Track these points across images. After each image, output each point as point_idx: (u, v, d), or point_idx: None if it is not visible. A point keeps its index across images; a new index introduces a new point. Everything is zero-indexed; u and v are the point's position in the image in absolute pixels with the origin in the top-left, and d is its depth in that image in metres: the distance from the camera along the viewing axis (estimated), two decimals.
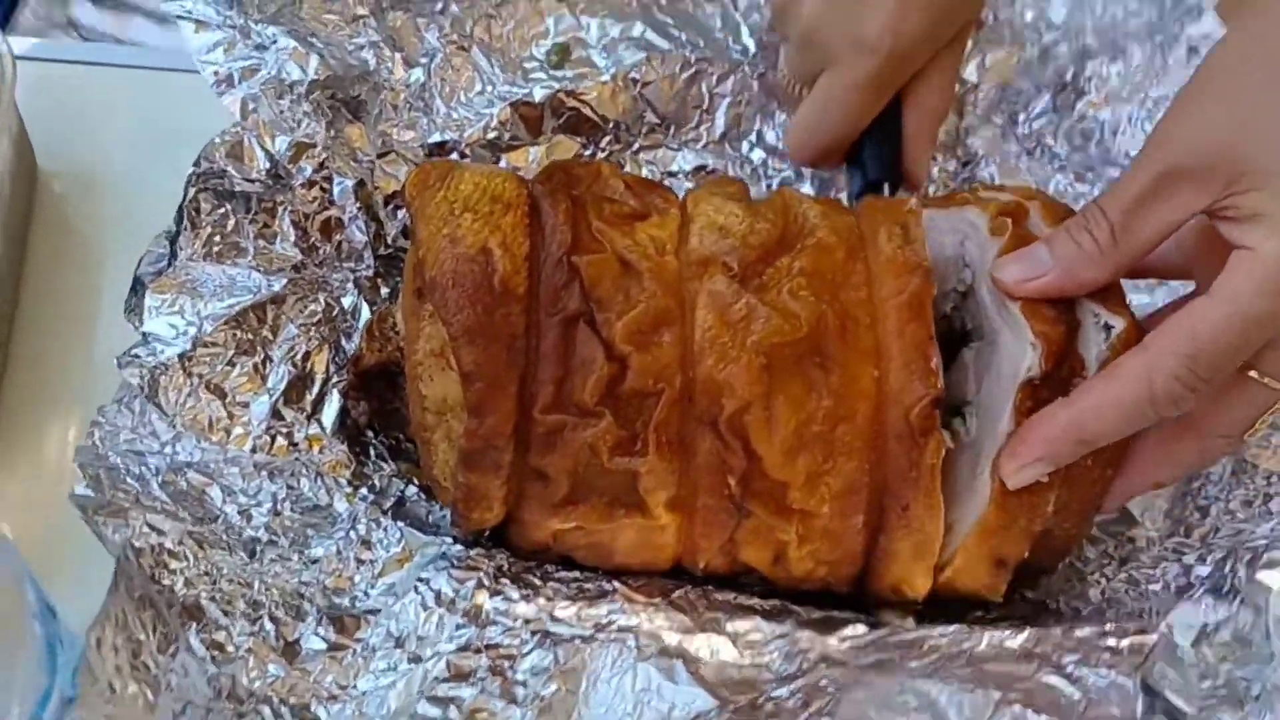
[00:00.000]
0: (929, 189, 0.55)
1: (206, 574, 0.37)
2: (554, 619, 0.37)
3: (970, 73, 0.57)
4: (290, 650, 0.37)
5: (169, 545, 0.37)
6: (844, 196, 0.50)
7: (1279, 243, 0.34)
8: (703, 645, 0.37)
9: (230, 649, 0.36)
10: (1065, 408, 0.37)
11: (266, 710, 0.35)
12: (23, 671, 0.28)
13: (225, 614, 0.37)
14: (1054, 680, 0.34)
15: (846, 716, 0.34)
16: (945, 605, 0.41)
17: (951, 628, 0.37)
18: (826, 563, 0.39)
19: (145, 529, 0.36)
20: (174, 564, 0.37)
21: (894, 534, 0.38)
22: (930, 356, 0.37)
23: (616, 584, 0.39)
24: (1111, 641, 0.35)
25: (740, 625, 0.38)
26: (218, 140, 0.43)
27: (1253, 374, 0.36)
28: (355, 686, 0.36)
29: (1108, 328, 0.38)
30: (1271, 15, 0.35)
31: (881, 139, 0.47)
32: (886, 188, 0.46)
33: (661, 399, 0.37)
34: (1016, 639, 0.36)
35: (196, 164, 0.43)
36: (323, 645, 0.37)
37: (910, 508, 0.37)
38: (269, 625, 0.37)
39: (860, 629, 0.38)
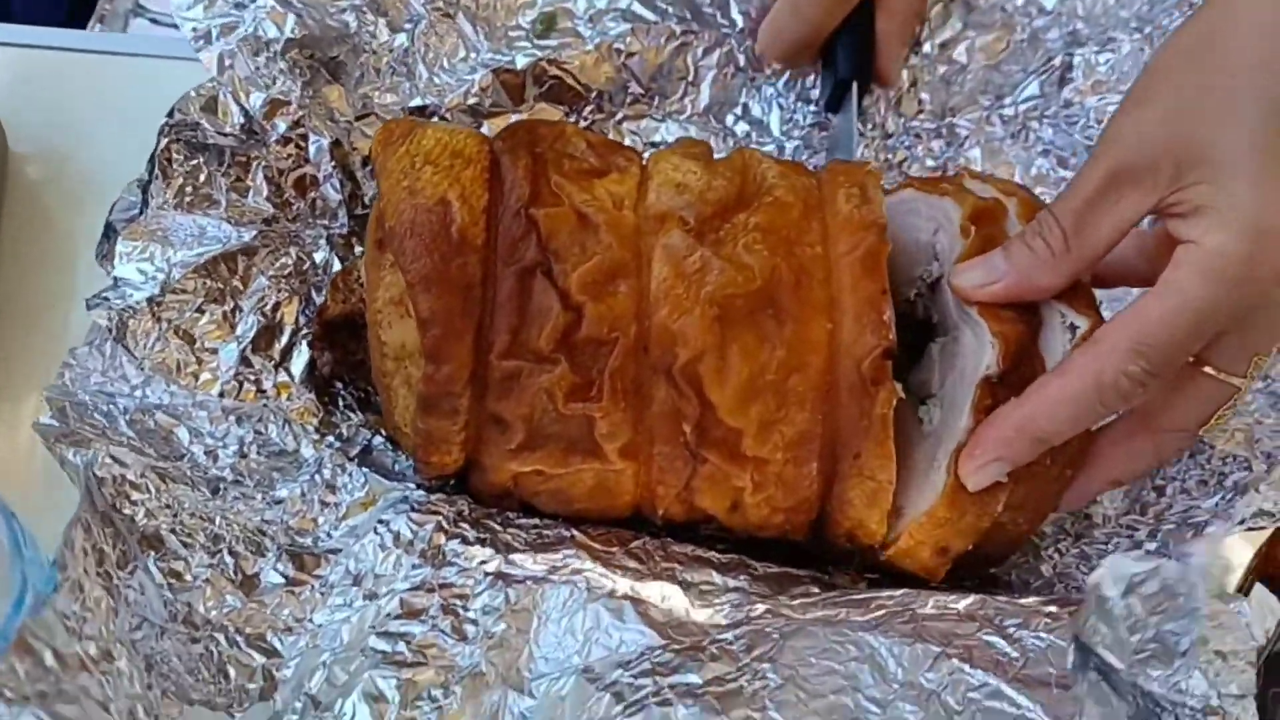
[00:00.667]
0: (904, 167, 0.56)
1: (168, 507, 0.38)
2: (509, 561, 0.38)
3: (960, 54, 0.57)
4: (249, 583, 0.38)
5: (131, 477, 0.38)
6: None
7: (1222, 235, 0.34)
8: (654, 592, 0.37)
9: (188, 578, 0.37)
10: (1018, 407, 0.37)
11: (221, 638, 0.36)
12: None
13: (185, 545, 0.38)
14: (993, 639, 0.34)
15: (786, 662, 0.34)
16: (898, 574, 0.41)
17: (900, 591, 0.37)
18: (782, 510, 0.39)
19: (108, 460, 0.37)
20: (135, 495, 0.38)
21: (847, 482, 0.39)
22: (883, 310, 0.38)
23: (575, 531, 0.40)
24: (1053, 609, 0.35)
25: (694, 575, 0.39)
26: (193, 94, 0.44)
27: (1207, 370, 0.37)
28: (311, 620, 0.37)
29: (1073, 328, 0.38)
30: (1215, 9, 0.36)
31: (853, 37, 0.48)
32: (856, 87, 0.47)
33: (616, 347, 0.38)
34: (961, 602, 0.36)
35: (170, 115, 0.44)
36: (281, 580, 0.38)
37: (862, 455, 0.38)
38: (228, 559, 0.38)
39: (814, 589, 0.38)
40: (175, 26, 0.47)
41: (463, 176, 0.39)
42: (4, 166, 0.50)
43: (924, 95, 0.57)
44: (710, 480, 0.39)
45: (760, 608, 0.37)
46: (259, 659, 0.36)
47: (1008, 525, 0.39)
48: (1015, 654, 0.33)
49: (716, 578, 0.39)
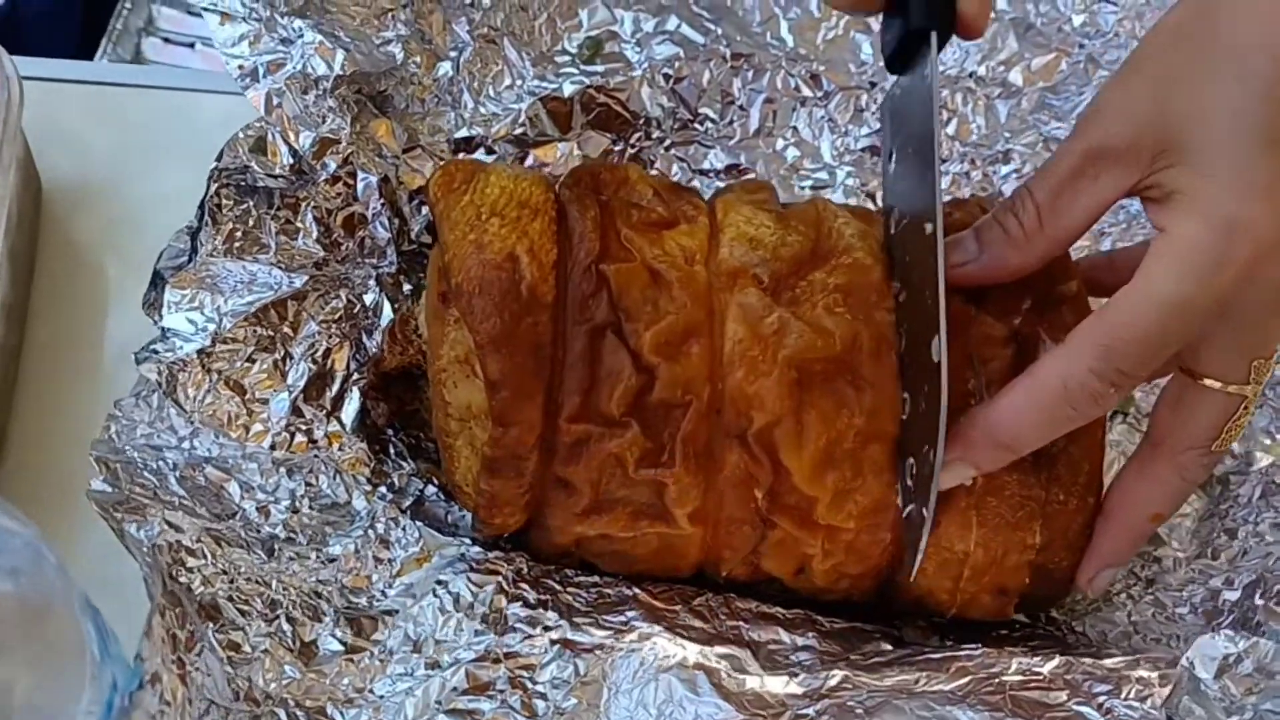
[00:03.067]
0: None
1: (224, 572, 0.38)
2: (574, 626, 0.38)
3: (1015, 76, 0.57)
4: (307, 651, 0.38)
5: (186, 543, 0.37)
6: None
7: (1194, 223, 0.33)
8: (723, 655, 0.37)
9: (246, 649, 0.37)
10: (983, 410, 0.36)
11: (282, 713, 0.36)
12: (79, 667, 0.28)
13: (242, 614, 0.37)
14: (1085, 709, 0.34)
15: None
16: (968, 625, 0.42)
17: (979, 650, 0.37)
18: (849, 576, 0.40)
19: (164, 525, 0.37)
20: (191, 561, 0.38)
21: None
22: (967, 380, 0.38)
23: (637, 590, 0.40)
24: (1141, 673, 0.35)
25: (761, 634, 0.39)
26: (241, 135, 0.44)
27: (1206, 381, 0.36)
28: (372, 690, 0.37)
29: None
30: None
31: None
32: (934, 39, 0.38)
33: (689, 410, 0.37)
34: (1046, 665, 0.36)
35: (219, 158, 0.43)
36: (339, 647, 0.38)
37: (942, 525, 0.38)
38: (286, 626, 0.38)
39: (885, 645, 0.39)
40: (190, 46, 0.46)
41: (530, 229, 0.38)
42: (39, 206, 0.49)
43: (978, 119, 0.57)
44: (779, 546, 0.39)
45: (837, 675, 0.37)
46: None
47: (1048, 565, 0.40)
48: None
49: (784, 636, 0.39)
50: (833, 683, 0.36)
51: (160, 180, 0.50)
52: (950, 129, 0.57)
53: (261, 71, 0.45)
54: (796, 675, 0.37)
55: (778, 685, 0.37)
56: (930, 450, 0.36)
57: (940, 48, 0.38)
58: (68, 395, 0.46)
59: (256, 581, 0.38)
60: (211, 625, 0.37)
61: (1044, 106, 0.57)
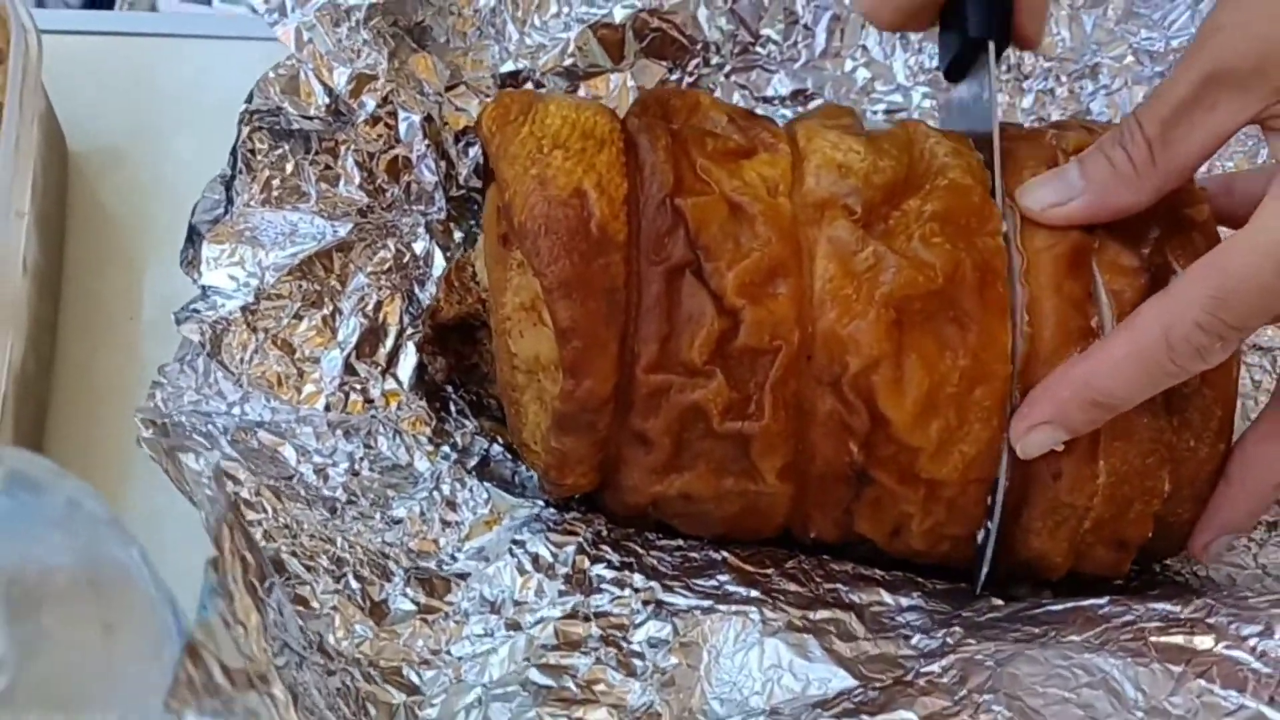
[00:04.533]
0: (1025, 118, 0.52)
1: (286, 528, 0.36)
2: (665, 588, 0.36)
3: None
4: (377, 611, 0.36)
5: (245, 495, 0.35)
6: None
7: None
8: (826, 620, 0.35)
9: (315, 605, 0.35)
10: (1076, 364, 0.34)
11: (356, 672, 0.34)
12: (154, 628, 0.26)
13: (308, 569, 0.35)
14: (1236, 654, 0.31)
15: (1010, 692, 0.32)
16: (1078, 582, 0.39)
17: (1105, 600, 0.35)
18: (950, 537, 0.37)
19: (220, 470, 0.35)
20: (251, 515, 0.35)
21: (1036, 509, 0.36)
22: (1089, 315, 0.34)
23: (724, 553, 0.38)
24: None
25: (862, 596, 0.37)
26: (271, 75, 0.41)
27: None
28: (449, 652, 0.35)
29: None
30: None
31: None
32: (992, 48, 0.38)
33: (778, 356, 0.34)
34: (1184, 609, 0.33)
35: (249, 100, 0.41)
36: (412, 607, 0.36)
37: (1062, 476, 0.35)
38: (354, 583, 0.36)
39: (997, 601, 0.36)
40: (207, 2, 0.43)
41: (598, 161, 0.35)
42: (65, 166, 0.47)
43: (1063, 32, 0.53)
44: (874, 504, 0.36)
45: (957, 630, 0.34)
46: (399, 696, 0.34)
47: (1169, 518, 0.37)
48: (1267, 669, 0.31)
49: (887, 597, 0.37)
50: (952, 640, 0.34)
51: (188, 134, 0.47)
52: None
53: (290, 5, 0.42)
54: (910, 637, 0.34)
55: (893, 648, 0.34)
56: None
57: (998, 57, 0.38)
58: (107, 363, 0.44)
59: (320, 539, 0.36)
60: (278, 577, 0.35)
61: (1133, 15, 0.53)
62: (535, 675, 0.34)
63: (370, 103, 0.42)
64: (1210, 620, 0.33)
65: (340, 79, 0.42)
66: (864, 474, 0.36)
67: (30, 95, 0.39)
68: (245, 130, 0.41)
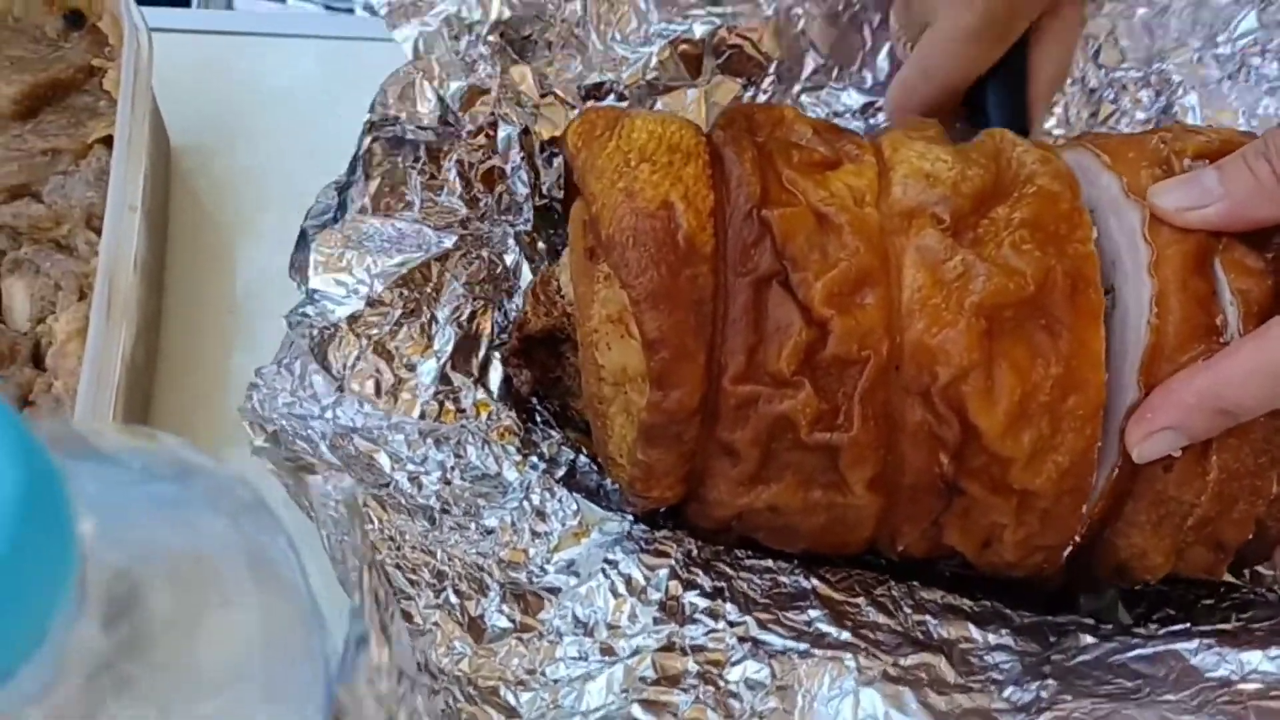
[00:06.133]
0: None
1: (391, 539, 0.34)
2: (760, 624, 0.34)
3: None
4: (475, 627, 0.34)
5: (361, 524, 0.34)
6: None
7: None
8: (917, 664, 0.33)
9: (418, 620, 0.34)
10: (1203, 371, 0.31)
11: (456, 691, 0.33)
12: (304, 613, 0.25)
13: (411, 583, 0.34)
14: None
15: None
16: (1163, 592, 0.36)
17: (1195, 642, 0.32)
18: (1044, 548, 0.34)
19: (353, 500, 0.33)
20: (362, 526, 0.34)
21: (1140, 502, 0.33)
22: (1214, 314, 0.31)
23: (815, 581, 0.35)
24: None
25: (950, 631, 0.34)
26: (389, 84, 0.39)
27: None
28: (543, 673, 0.33)
29: None
30: None
31: (1004, 86, 0.40)
32: None
33: (867, 367, 0.32)
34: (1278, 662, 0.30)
35: (371, 109, 0.39)
36: (508, 624, 0.34)
37: (1174, 469, 0.32)
38: (454, 598, 0.34)
39: (1086, 639, 0.33)
40: (282, 0, 0.41)
41: (684, 175, 0.33)
42: (169, 163, 0.45)
43: (1125, 42, 0.50)
44: (964, 515, 0.33)
45: (1050, 683, 0.32)
46: (497, 717, 0.32)
47: (1270, 523, 0.34)
48: None
49: (975, 633, 0.34)
50: (1046, 695, 0.31)
51: (279, 131, 0.46)
52: (1100, 56, 0.50)
53: (410, 9, 0.40)
54: (1003, 688, 0.32)
55: (985, 700, 0.32)
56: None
57: None
58: (206, 355, 0.42)
59: (422, 550, 0.35)
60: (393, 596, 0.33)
61: (1196, 23, 0.49)
62: (637, 711, 0.32)
63: (480, 115, 0.41)
64: None
65: (454, 90, 0.41)
66: (954, 485, 0.33)
67: (142, 93, 0.38)
68: (367, 140, 0.39)
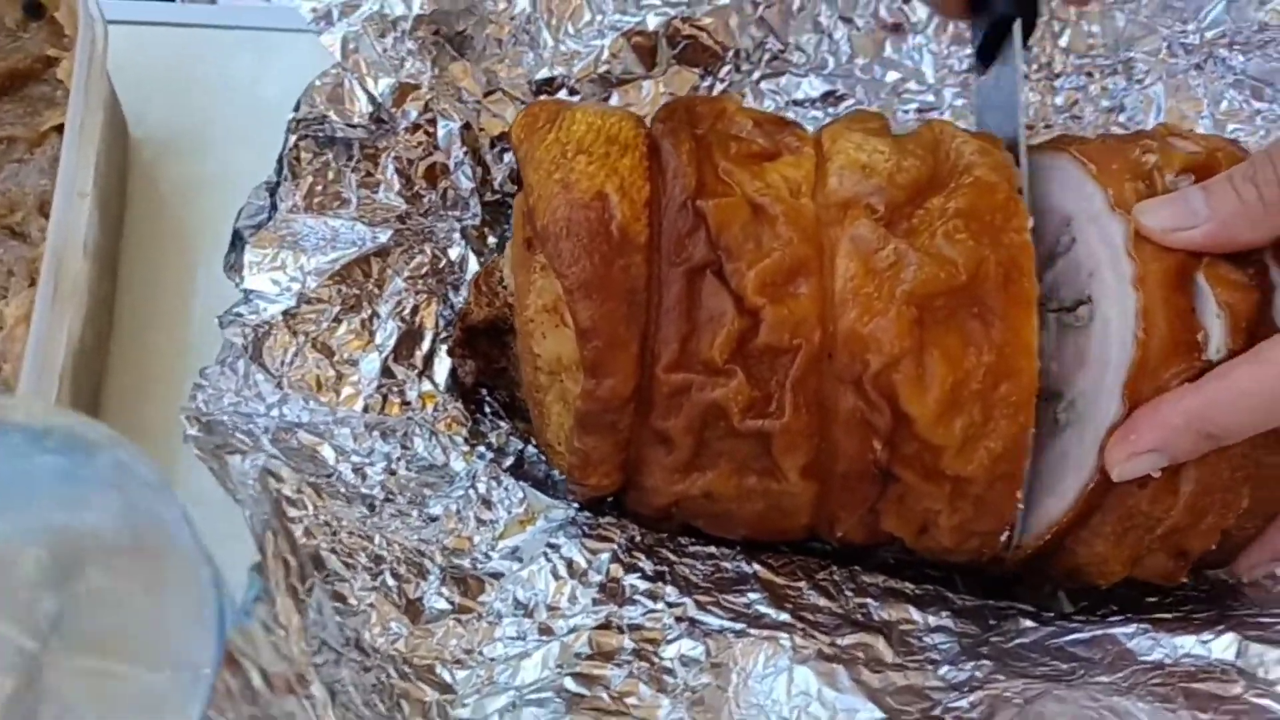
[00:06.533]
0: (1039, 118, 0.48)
1: (326, 524, 0.34)
2: (698, 605, 0.34)
3: None
4: (413, 609, 0.34)
5: (287, 493, 0.34)
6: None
7: None
8: (856, 644, 0.33)
9: (353, 602, 0.34)
10: (1191, 394, 0.31)
11: (391, 669, 0.33)
12: (195, 589, 0.26)
13: (346, 566, 0.34)
14: (1265, 702, 0.29)
15: None
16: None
17: (1133, 628, 0.32)
18: (979, 534, 0.34)
19: (265, 468, 0.34)
20: (293, 512, 0.34)
21: (1113, 510, 0.33)
22: (1195, 329, 0.31)
23: (757, 566, 0.36)
24: None
25: (891, 613, 0.34)
26: (318, 83, 0.40)
27: None
28: (481, 652, 0.33)
29: None
30: None
31: None
32: (1019, 27, 0.37)
33: (799, 355, 0.32)
34: (1213, 648, 0.31)
35: (296, 109, 0.39)
36: (446, 606, 0.34)
37: (1148, 485, 0.32)
38: (391, 581, 0.34)
39: (1026, 623, 0.33)
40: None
41: (620, 166, 0.33)
42: (126, 152, 0.46)
43: (1094, 28, 0.50)
44: (899, 502, 0.34)
45: (985, 664, 0.32)
46: (432, 693, 0.33)
47: (1234, 533, 0.34)
48: None
49: (916, 615, 0.34)
50: (981, 674, 0.31)
51: (247, 126, 0.46)
52: (1064, 40, 0.49)
53: (336, 14, 0.40)
54: (939, 666, 0.32)
55: (920, 679, 0.32)
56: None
57: (1026, 38, 0.38)
58: (160, 343, 0.43)
59: (359, 536, 0.35)
60: (318, 575, 0.33)
61: (1167, 9, 0.49)
62: (569, 683, 0.32)
63: (412, 111, 0.41)
64: (1240, 663, 0.30)
65: (384, 87, 0.41)
66: (888, 472, 0.33)
67: (95, 82, 0.38)
68: (292, 139, 0.40)
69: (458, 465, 0.38)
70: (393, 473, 0.37)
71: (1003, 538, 0.34)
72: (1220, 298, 0.31)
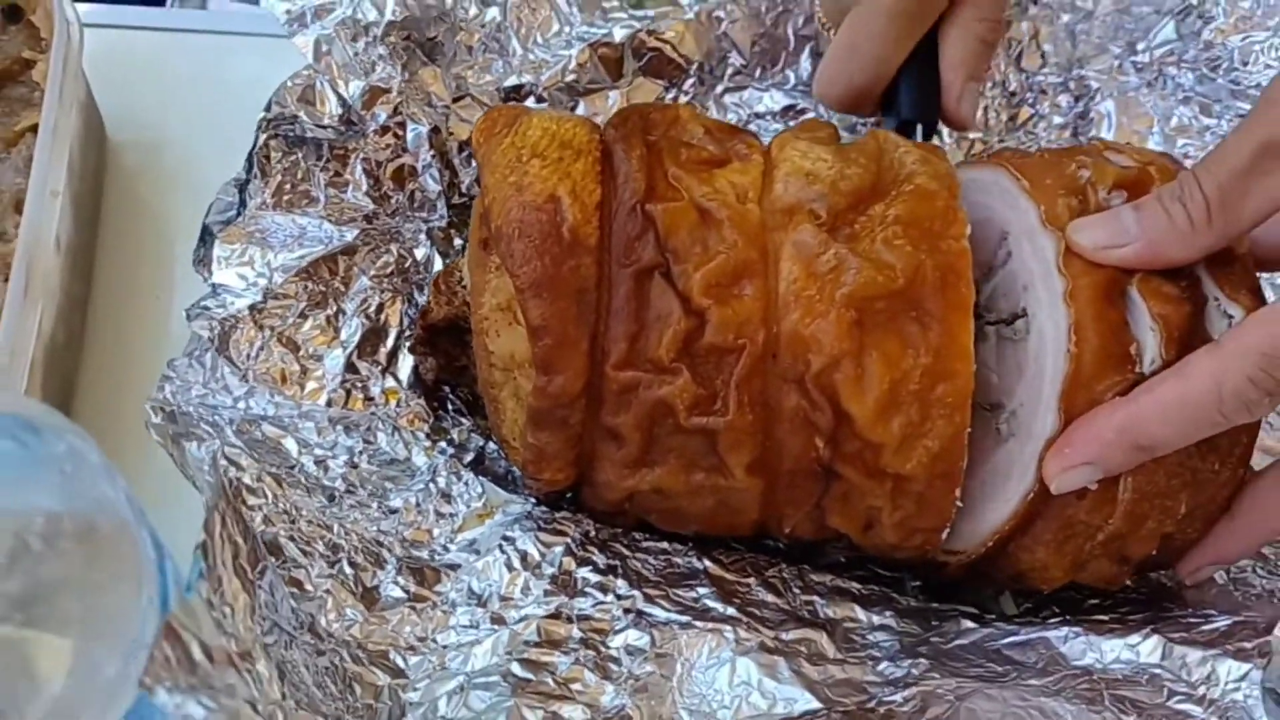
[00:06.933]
0: (980, 136, 0.50)
1: (285, 513, 0.35)
2: (646, 598, 0.35)
3: None
4: (369, 596, 0.35)
5: (247, 481, 0.35)
6: None
7: None
8: (799, 639, 0.34)
9: (309, 588, 0.35)
10: (1122, 407, 0.32)
11: (344, 654, 0.34)
12: (139, 566, 0.26)
13: (304, 554, 0.35)
14: (1187, 707, 0.30)
15: None
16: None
17: (1066, 630, 0.33)
18: (922, 530, 0.35)
19: (224, 461, 0.35)
20: (252, 500, 0.35)
21: (1052, 519, 0.34)
22: (1128, 343, 0.33)
23: (707, 562, 0.37)
24: (1241, 644, 0.31)
25: (836, 611, 0.36)
26: (289, 84, 0.41)
27: None
28: (434, 639, 0.34)
29: (1228, 316, 0.33)
30: None
31: (917, 76, 0.41)
32: (921, 131, 0.41)
33: (743, 354, 0.33)
34: (1140, 648, 0.32)
35: (267, 108, 0.40)
36: (402, 595, 0.35)
37: (1086, 496, 0.33)
38: (348, 569, 0.35)
39: (967, 624, 0.34)
40: (255, 1, 0.43)
41: (573, 170, 0.34)
42: (103, 153, 0.47)
43: (1047, 47, 0.51)
44: (843, 499, 0.35)
45: (922, 662, 0.33)
46: (384, 678, 0.34)
47: (1176, 536, 0.35)
48: (1214, 718, 0.29)
49: (860, 614, 0.36)
50: (917, 671, 0.33)
51: (227, 129, 0.46)
52: (1022, 60, 0.51)
53: (309, 16, 0.41)
54: (878, 663, 0.33)
55: (858, 672, 0.33)
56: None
57: (928, 136, 0.41)
58: (134, 342, 0.44)
59: (318, 525, 0.36)
60: (274, 560, 0.34)
61: (1119, 29, 0.51)
62: (516, 668, 0.33)
63: (382, 114, 0.42)
64: (1163, 666, 0.32)
65: (354, 90, 0.42)
66: (831, 469, 0.34)
67: (70, 83, 0.39)
68: (262, 137, 0.41)
69: (419, 460, 0.39)
70: (355, 466, 0.38)
71: (944, 535, 0.35)
72: (1153, 310, 0.32)
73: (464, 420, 0.41)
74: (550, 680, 0.33)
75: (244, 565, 0.32)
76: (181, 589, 0.27)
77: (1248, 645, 0.30)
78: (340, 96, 0.42)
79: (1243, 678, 0.30)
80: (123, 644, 0.23)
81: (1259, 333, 0.30)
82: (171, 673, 0.25)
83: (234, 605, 0.30)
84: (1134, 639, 0.33)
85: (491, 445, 0.41)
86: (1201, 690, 0.30)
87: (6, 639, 0.21)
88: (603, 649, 0.34)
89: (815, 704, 0.32)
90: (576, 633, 0.34)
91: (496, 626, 0.35)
